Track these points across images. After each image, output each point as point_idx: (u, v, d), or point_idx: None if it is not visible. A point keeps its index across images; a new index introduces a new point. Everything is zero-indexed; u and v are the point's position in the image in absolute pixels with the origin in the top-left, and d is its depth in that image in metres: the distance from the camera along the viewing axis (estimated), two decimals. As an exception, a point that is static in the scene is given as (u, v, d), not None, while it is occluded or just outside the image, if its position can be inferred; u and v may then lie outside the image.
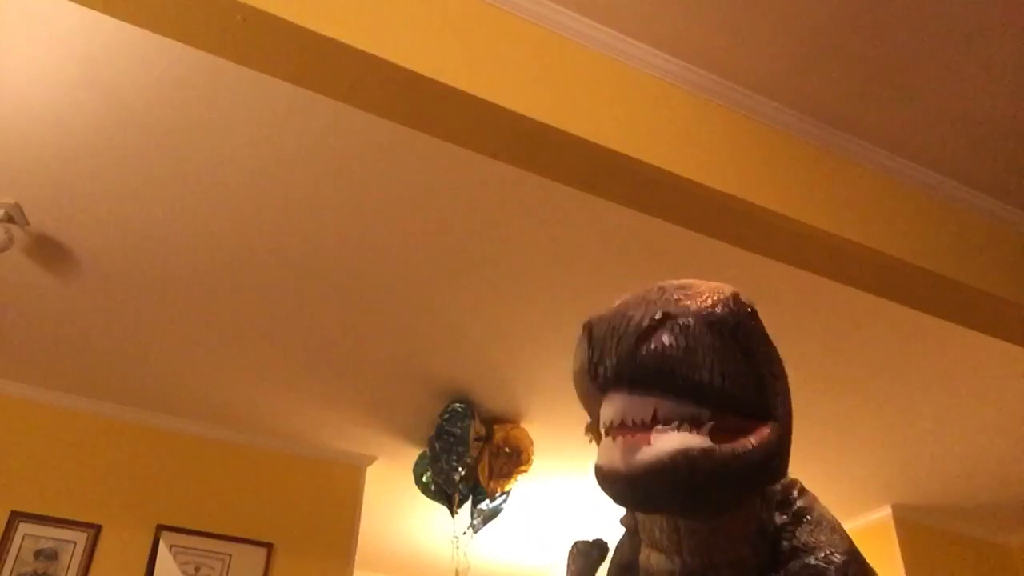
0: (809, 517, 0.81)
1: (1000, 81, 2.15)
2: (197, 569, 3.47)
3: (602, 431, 0.73)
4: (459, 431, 3.53)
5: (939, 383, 3.32)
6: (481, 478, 3.58)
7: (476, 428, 3.56)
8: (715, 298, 0.72)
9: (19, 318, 3.10)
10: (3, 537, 3.22)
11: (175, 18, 1.67)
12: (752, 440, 0.70)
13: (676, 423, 0.68)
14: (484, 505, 3.66)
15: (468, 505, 3.66)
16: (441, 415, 3.59)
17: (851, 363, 3.20)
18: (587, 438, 0.83)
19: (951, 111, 2.24)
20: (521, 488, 3.84)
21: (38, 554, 3.25)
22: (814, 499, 0.84)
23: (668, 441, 0.67)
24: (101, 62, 2.08)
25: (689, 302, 0.71)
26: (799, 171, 2.24)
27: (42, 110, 2.23)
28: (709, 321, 0.71)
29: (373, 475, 4.08)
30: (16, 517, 3.28)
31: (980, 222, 2.50)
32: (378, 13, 1.78)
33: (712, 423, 0.69)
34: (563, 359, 3.29)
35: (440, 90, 1.79)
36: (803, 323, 2.98)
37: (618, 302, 0.74)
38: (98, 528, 3.38)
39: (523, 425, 3.75)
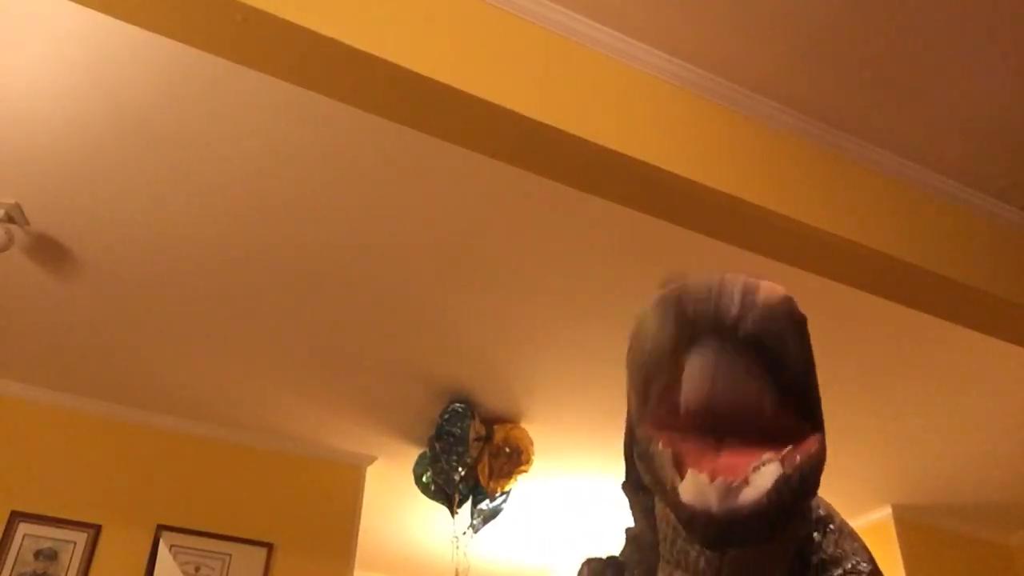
0: (832, 527, 0.78)
1: (1001, 81, 2.15)
2: (197, 569, 3.47)
3: (678, 460, 0.67)
4: (459, 431, 3.53)
5: (939, 383, 3.32)
6: (481, 478, 3.58)
7: (476, 428, 3.56)
8: (783, 295, 0.71)
9: (19, 318, 3.10)
10: (3, 537, 3.22)
11: (175, 18, 1.67)
12: (811, 451, 0.66)
13: (760, 454, 0.64)
14: (484, 505, 3.66)
15: (468, 505, 3.66)
16: (441, 415, 3.59)
17: (851, 363, 3.20)
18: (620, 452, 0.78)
19: (952, 111, 2.24)
20: (521, 488, 3.84)
21: (38, 554, 3.24)
22: (829, 505, 0.82)
23: (764, 478, 0.63)
24: (101, 62, 2.08)
25: (764, 294, 0.69)
26: (799, 171, 2.24)
27: (42, 110, 2.23)
28: (785, 314, 0.70)
29: (373, 475, 4.08)
30: (16, 517, 3.27)
31: (980, 222, 2.50)
32: (378, 13, 1.78)
33: (776, 436, 0.66)
34: (563, 359, 3.29)
35: (440, 90, 1.79)
36: (803, 323, 2.97)
37: (696, 275, 0.71)
38: (98, 528, 3.38)
39: (523, 425, 3.75)
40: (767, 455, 0.64)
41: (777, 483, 0.62)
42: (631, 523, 0.86)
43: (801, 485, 0.64)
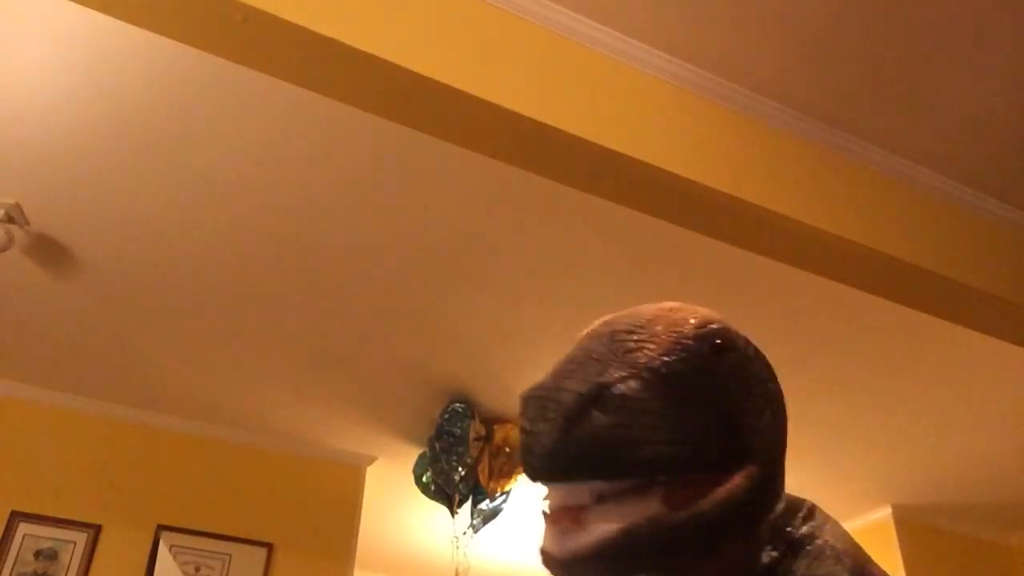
0: (808, 548, 0.73)
1: (1001, 81, 2.15)
2: (197, 569, 3.47)
3: (542, 511, 0.68)
4: (459, 431, 3.53)
5: (939, 383, 3.32)
6: (481, 478, 3.58)
7: (476, 428, 3.56)
8: (671, 340, 0.66)
9: (19, 318, 3.10)
10: (3, 537, 3.22)
11: (175, 18, 1.67)
12: (717, 496, 0.63)
13: (616, 498, 0.62)
14: (484, 505, 3.66)
15: (468, 505, 3.66)
16: (441, 415, 3.59)
17: (851, 363, 3.20)
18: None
19: (952, 111, 2.24)
20: (521, 488, 3.84)
21: (38, 554, 3.24)
22: (820, 525, 0.75)
23: (605, 523, 0.61)
24: (101, 62, 2.08)
25: (638, 353, 0.65)
26: (799, 171, 2.24)
27: (42, 110, 2.23)
28: (660, 374, 0.64)
29: (373, 475, 4.08)
30: (16, 517, 3.28)
31: (980, 222, 2.50)
32: (378, 13, 1.78)
33: (664, 489, 0.62)
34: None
35: (440, 90, 1.79)
36: (803, 323, 2.98)
37: (564, 359, 0.67)
38: (98, 528, 3.38)
39: (523, 425, 3.74)
40: (615, 502, 0.62)
41: (615, 531, 0.61)
42: None
43: (687, 524, 0.62)
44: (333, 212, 2.58)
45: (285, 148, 2.35)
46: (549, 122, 1.87)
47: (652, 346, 0.66)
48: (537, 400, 0.64)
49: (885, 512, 4.26)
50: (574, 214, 2.54)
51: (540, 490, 0.68)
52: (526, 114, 1.85)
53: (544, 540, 0.65)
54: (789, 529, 0.73)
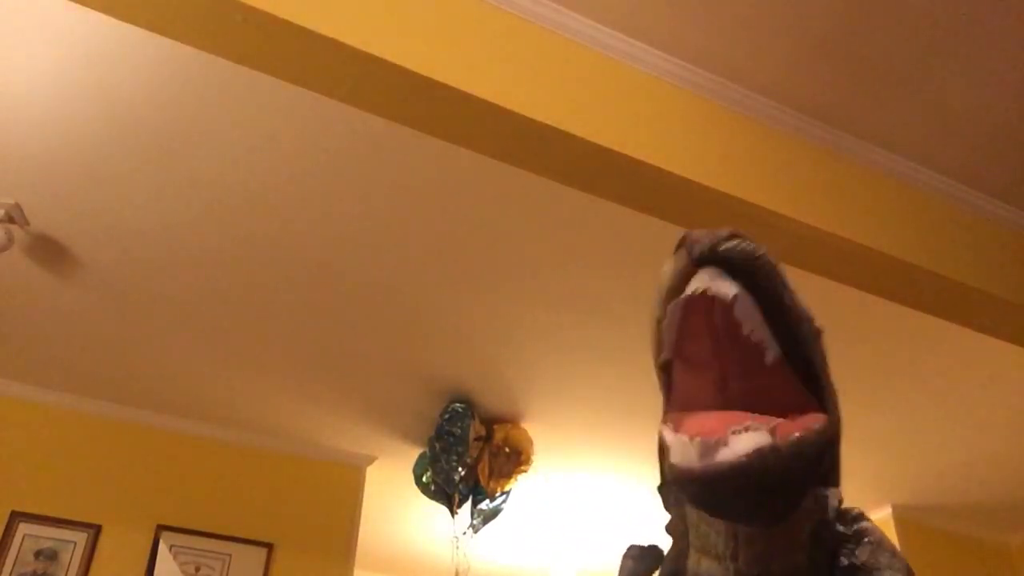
0: (870, 539, 0.81)
1: (1001, 82, 2.15)
2: (197, 569, 3.47)
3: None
4: (459, 431, 3.53)
5: (939, 383, 3.32)
6: (481, 478, 3.58)
7: (476, 428, 3.56)
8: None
9: (19, 318, 3.10)
10: (3, 537, 3.22)
11: (175, 18, 1.67)
12: (810, 426, 0.68)
13: (744, 424, 0.67)
14: (484, 505, 3.66)
15: (468, 505, 3.66)
16: (441, 415, 3.59)
17: (851, 363, 3.20)
18: (655, 374, 0.83)
19: (952, 112, 2.24)
20: (521, 488, 3.84)
21: (38, 554, 3.25)
22: (873, 525, 0.84)
23: (744, 442, 0.65)
24: (101, 62, 2.08)
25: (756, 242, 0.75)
26: (799, 171, 2.24)
27: (42, 110, 2.23)
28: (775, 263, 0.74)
29: (373, 475, 4.08)
30: (16, 517, 3.28)
31: (980, 222, 2.50)
32: (378, 13, 1.78)
33: (778, 413, 0.68)
34: (563, 359, 3.29)
35: (440, 90, 1.79)
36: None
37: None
38: (98, 528, 3.38)
39: (523, 425, 3.75)
40: (750, 421, 0.66)
41: (759, 449, 0.64)
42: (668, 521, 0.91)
43: (788, 458, 0.65)
44: (333, 212, 2.58)
45: (286, 148, 2.35)
46: (549, 122, 1.87)
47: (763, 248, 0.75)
48: (697, 232, 0.75)
49: (885, 512, 4.26)
50: (574, 214, 2.54)
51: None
52: (526, 114, 1.85)
53: (681, 455, 0.67)
54: (855, 516, 0.82)
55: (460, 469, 3.54)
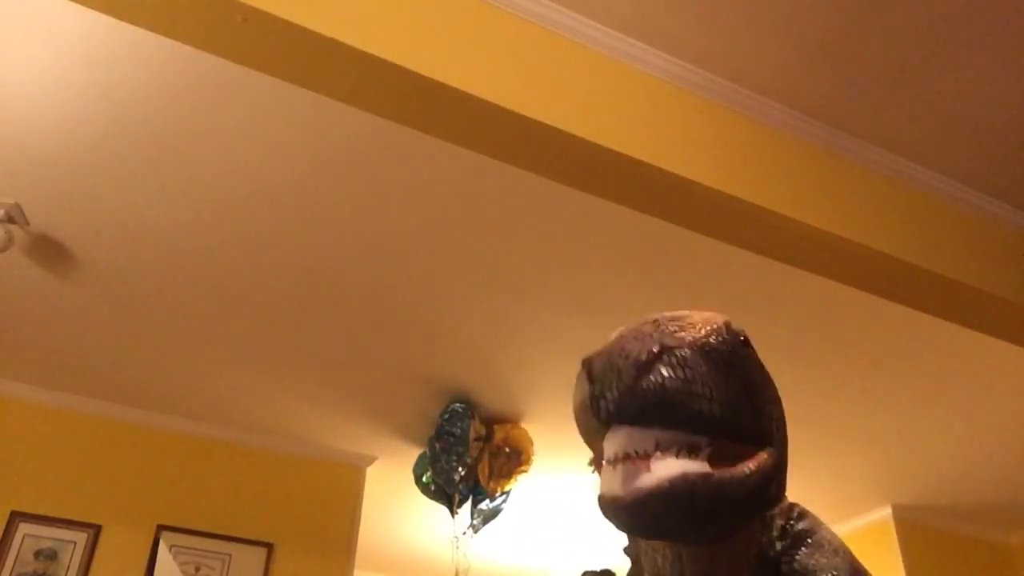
0: (809, 540, 0.81)
1: (1001, 81, 2.15)
2: (197, 569, 3.47)
3: (604, 463, 0.73)
4: (459, 431, 3.53)
5: (939, 383, 3.32)
6: (481, 478, 3.58)
7: (476, 428, 3.56)
8: (708, 328, 0.75)
9: (19, 318, 3.10)
10: (3, 537, 3.22)
11: (175, 18, 1.67)
12: (750, 465, 0.71)
13: (675, 450, 0.69)
14: (484, 505, 3.66)
15: (468, 505, 3.66)
16: (441, 415, 3.59)
17: (851, 363, 3.20)
18: (589, 469, 0.84)
19: (952, 111, 2.24)
20: (521, 488, 3.84)
21: (38, 554, 3.25)
22: (816, 521, 0.84)
23: (667, 467, 0.68)
24: (101, 62, 2.08)
25: (684, 333, 0.73)
26: (799, 171, 2.24)
27: (42, 110, 2.23)
28: (705, 351, 0.73)
29: (373, 475, 4.08)
30: (16, 517, 3.28)
31: (980, 222, 2.50)
32: (378, 13, 1.78)
33: (710, 449, 0.70)
34: (563, 359, 3.29)
35: (440, 90, 1.79)
36: (803, 323, 2.98)
37: (614, 336, 0.75)
38: (98, 528, 3.38)
39: (523, 425, 3.75)
40: (679, 456, 0.69)
41: (685, 475, 0.67)
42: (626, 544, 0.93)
43: (729, 487, 0.69)
44: (333, 212, 2.58)
45: (286, 148, 2.35)
46: (549, 122, 1.87)
47: (694, 330, 0.75)
48: (604, 360, 0.72)
49: (885, 512, 4.26)
50: (574, 214, 2.54)
51: (609, 441, 0.73)
52: (526, 114, 1.85)
53: (607, 485, 0.70)
54: (790, 523, 0.82)
55: (460, 469, 3.54)
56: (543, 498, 4.42)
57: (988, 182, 2.46)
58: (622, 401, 0.70)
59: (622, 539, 0.92)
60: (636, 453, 0.70)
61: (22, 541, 3.24)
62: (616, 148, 1.94)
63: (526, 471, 3.71)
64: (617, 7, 2.00)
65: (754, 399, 0.76)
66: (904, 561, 4.10)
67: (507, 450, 3.64)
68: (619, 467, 0.69)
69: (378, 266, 2.80)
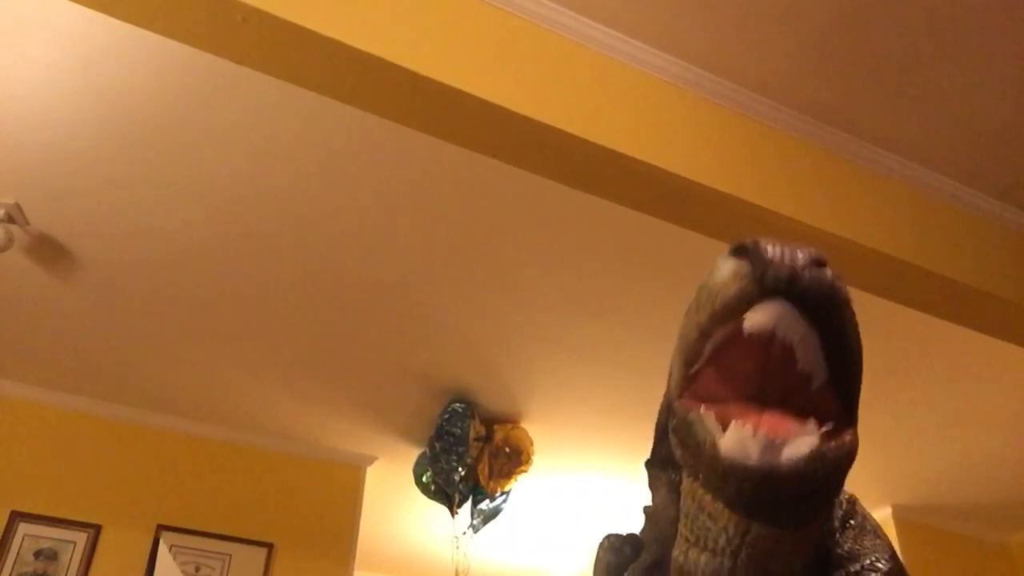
0: (853, 522, 0.78)
1: (1000, 81, 2.15)
2: (197, 569, 3.47)
3: (723, 415, 0.67)
4: (459, 431, 3.53)
5: (939, 383, 3.32)
6: (481, 478, 3.58)
7: (476, 428, 3.56)
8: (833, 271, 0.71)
9: (19, 318, 3.10)
10: (3, 537, 3.22)
11: (175, 18, 1.67)
12: (848, 439, 0.66)
13: (803, 423, 0.64)
14: (484, 505, 3.66)
15: (468, 505, 3.66)
16: (441, 415, 3.59)
17: (851, 363, 3.20)
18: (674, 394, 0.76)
19: (951, 111, 2.24)
20: (521, 488, 3.84)
21: (38, 554, 3.25)
22: (855, 499, 0.81)
23: (804, 445, 0.63)
24: (101, 62, 2.08)
25: (830, 270, 0.69)
26: (800, 171, 2.24)
27: (42, 110, 2.23)
28: (847, 294, 0.69)
29: (373, 475, 4.08)
30: (16, 517, 3.28)
31: (980, 222, 2.50)
32: (378, 13, 1.78)
33: (831, 419, 0.66)
34: (563, 359, 3.29)
35: (440, 90, 1.79)
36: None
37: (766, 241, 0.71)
38: (98, 528, 3.38)
39: (523, 425, 3.75)
40: (810, 426, 0.64)
41: (814, 453, 0.62)
42: (648, 503, 0.86)
43: (834, 466, 0.64)
44: (333, 212, 2.58)
45: (286, 148, 2.35)
46: (549, 122, 1.87)
47: (836, 278, 0.69)
48: (769, 243, 0.68)
49: (885, 512, 4.26)
50: (574, 214, 2.54)
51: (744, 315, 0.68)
52: (526, 114, 1.85)
53: (738, 447, 0.63)
54: (841, 503, 0.79)
55: (460, 469, 3.54)
56: (543, 498, 4.42)
57: (988, 182, 2.46)
58: (796, 276, 0.65)
59: (622, 529, 0.88)
60: (783, 341, 0.64)
61: (22, 541, 3.24)
62: (616, 148, 1.93)
63: (526, 471, 3.71)
64: (617, 7, 2.00)
65: (859, 359, 0.71)
66: (904, 561, 4.08)
67: (507, 450, 3.64)
68: (760, 432, 0.63)
69: (378, 266, 2.80)
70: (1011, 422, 3.56)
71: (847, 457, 0.65)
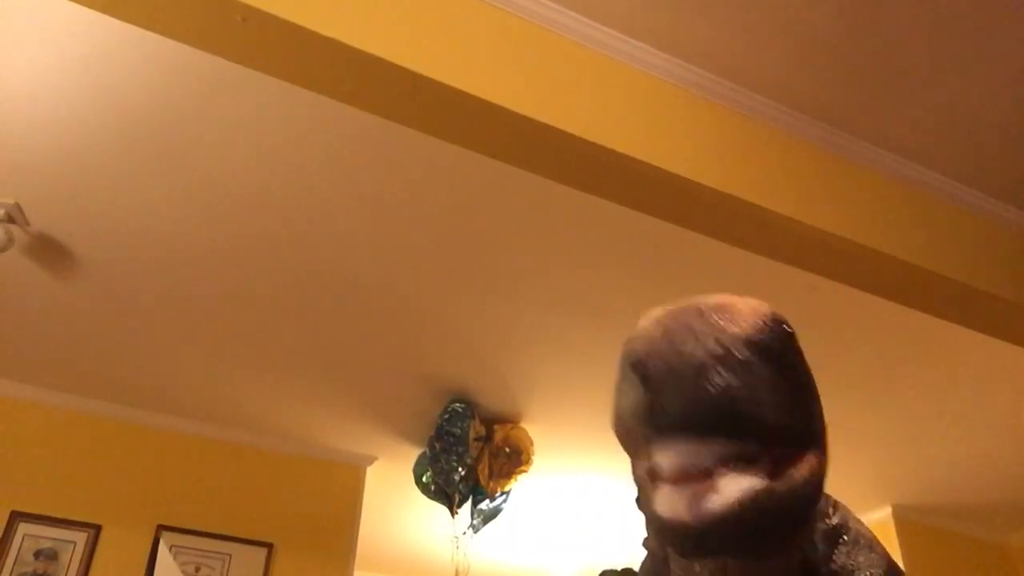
0: (845, 537, 0.78)
1: (1000, 81, 2.14)
2: (197, 569, 3.47)
3: (657, 480, 0.68)
4: (459, 431, 3.53)
5: (939, 383, 3.32)
6: (481, 478, 3.58)
7: (476, 428, 3.56)
8: (760, 322, 0.68)
9: (19, 318, 3.10)
10: (3, 537, 3.22)
11: (175, 18, 1.67)
12: (803, 472, 0.66)
13: (737, 464, 0.64)
14: (484, 505, 3.66)
15: (468, 505, 3.66)
16: (441, 415, 3.59)
17: (851, 363, 3.20)
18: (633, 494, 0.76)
19: (951, 111, 2.24)
20: (521, 488, 3.84)
21: (38, 554, 3.24)
22: (846, 512, 0.81)
23: (733, 486, 0.63)
24: (101, 62, 2.08)
25: (736, 329, 0.67)
26: (799, 171, 2.24)
27: (42, 110, 2.23)
28: (762, 350, 0.67)
29: (373, 475, 4.08)
30: (16, 517, 3.28)
31: (980, 222, 2.50)
32: (378, 13, 1.78)
33: (768, 459, 0.65)
34: (563, 359, 3.29)
35: (440, 90, 1.79)
36: (803, 323, 2.94)
37: (652, 322, 0.70)
38: (98, 528, 3.38)
39: (523, 425, 3.75)
40: (753, 468, 0.64)
41: (750, 494, 0.62)
42: (646, 535, 0.87)
43: (792, 499, 0.64)
44: (332, 212, 2.58)
45: (285, 148, 2.35)
46: (549, 122, 1.87)
47: (745, 324, 0.68)
48: (660, 362, 0.66)
49: (885, 512, 4.26)
50: (574, 214, 2.54)
51: (660, 451, 0.67)
52: (526, 114, 1.85)
53: (669, 507, 0.64)
54: (826, 520, 0.78)
55: (460, 469, 3.54)
56: (543, 498, 4.42)
57: (988, 182, 2.46)
58: (686, 411, 0.64)
59: (621, 539, 0.88)
60: (696, 468, 0.64)
61: (22, 541, 3.24)
62: (616, 148, 1.93)
63: (526, 471, 3.71)
64: (617, 7, 2.00)
65: (806, 398, 0.70)
66: (904, 561, 4.10)
67: (507, 450, 3.64)
68: (682, 488, 0.63)
69: (378, 266, 2.80)
70: (1011, 422, 3.56)
71: (803, 487, 0.65)
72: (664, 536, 0.66)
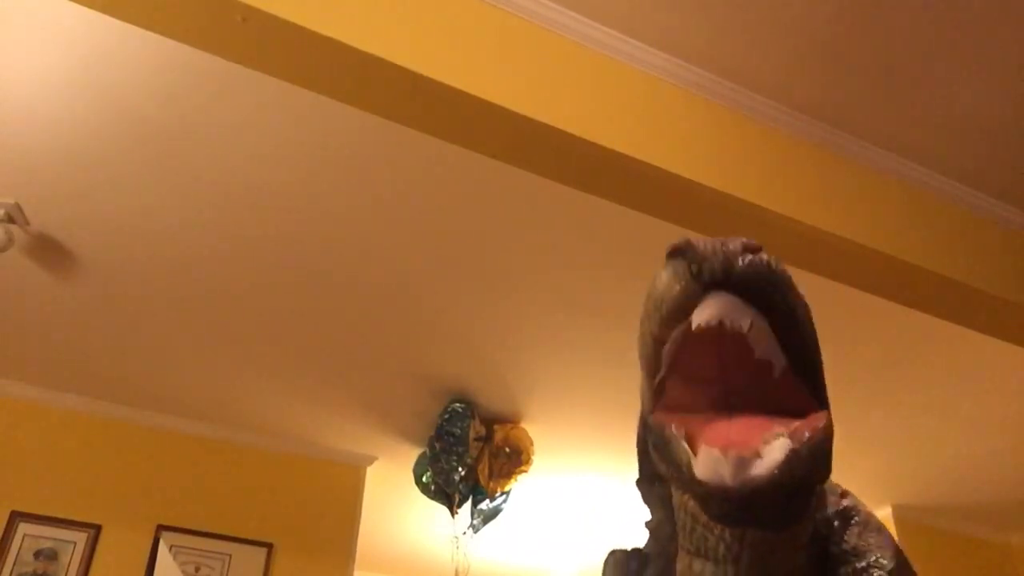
0: (856, 519, 0.78)
1: (1000, 81, 2.15)
2: (197, 569, 3.47)
3: (691, 439, 0.67)
4: (459, 431, 3.53)
5: (939, 383, 3.32)
6: (481, 478, 3.58)
7: (476, 428, 3.56)
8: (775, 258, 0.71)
9: (19, 318, 3.10)
10: (3, 537, 3.22)
11: (175, 18, 1.67)
12: (819, 426, 0.65)
13: (770, 426, 0.64)
14: (484, 505, 3.66)
15: (468, 505, 3.66)
16: (441, 415, 3.59)
17: (851, 363, 3.20)
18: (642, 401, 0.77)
19: (951, 111, 2.24)
20: (521, 488, 3.84)
21: (38, 554, 3.25)
22: (856, 500, 0.81)
23: (775, 452, 0.62)
24: (101, 62, 2.08)
25: (766, 254, 0.71)
26: (799, 171, 2.24)
27: (42, 110, 2.23)
28: (787, 274, 0.70)
29: (373, 475, 4.08)
30: (16, 517, 3.28)
31: (980, 222, 2.50)
32: (378, 13, 1.78)
33: (789, 413, 0.66)
34: (563, 359, 3.29)
35: (440, 90, 1.79)
36: (803, 323, 2.97)
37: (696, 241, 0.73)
38: (98, 528, 3.38)
39: (523, 425, 3.75)
40: (776, 428, 0.63)
41: (788, 457, 0.61)
42: (648, 517, 0.86)
43: (811, 460, 0.63)
44: (333, 212, 2.58)
45: (285, 149, 2.35)
46: (549, 122, 1.87)
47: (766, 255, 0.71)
48: (702, 240, 0.70)
49: (885, 512, 4.26)
50: (574, 214, 2.54)
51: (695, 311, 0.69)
52: (526, 114, 1.85)
53: (711, 470, 0.63)
54: (839, 501, 0.79)
55: (460, 469, 3.54)
56: (543, 498, 4.42)
57: (988, 182, 2.46)
58: (729, 267, 0.67)
59: (627, 536, 0.88)
60: (732, 324, 0.66)
61: (22, 541, 3.24)
62: (616, 148, 1.93)
63: (526, 471, 3.71)
64: (617, 7, 2.00)
65: (815, 345, 0.71)
66: (904, 561, 4.10)
67: (507, 450, 3.64)
68: (730, 453, 0.62)
69: (378, 266, 2.80)
70: (1011, 422, 3.56)
71: (822, 444, 0.64)
72: (705, 501, 0.65)
